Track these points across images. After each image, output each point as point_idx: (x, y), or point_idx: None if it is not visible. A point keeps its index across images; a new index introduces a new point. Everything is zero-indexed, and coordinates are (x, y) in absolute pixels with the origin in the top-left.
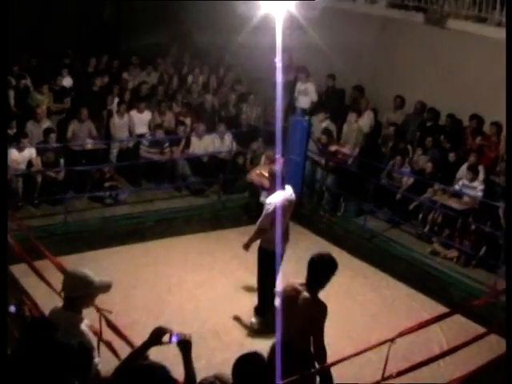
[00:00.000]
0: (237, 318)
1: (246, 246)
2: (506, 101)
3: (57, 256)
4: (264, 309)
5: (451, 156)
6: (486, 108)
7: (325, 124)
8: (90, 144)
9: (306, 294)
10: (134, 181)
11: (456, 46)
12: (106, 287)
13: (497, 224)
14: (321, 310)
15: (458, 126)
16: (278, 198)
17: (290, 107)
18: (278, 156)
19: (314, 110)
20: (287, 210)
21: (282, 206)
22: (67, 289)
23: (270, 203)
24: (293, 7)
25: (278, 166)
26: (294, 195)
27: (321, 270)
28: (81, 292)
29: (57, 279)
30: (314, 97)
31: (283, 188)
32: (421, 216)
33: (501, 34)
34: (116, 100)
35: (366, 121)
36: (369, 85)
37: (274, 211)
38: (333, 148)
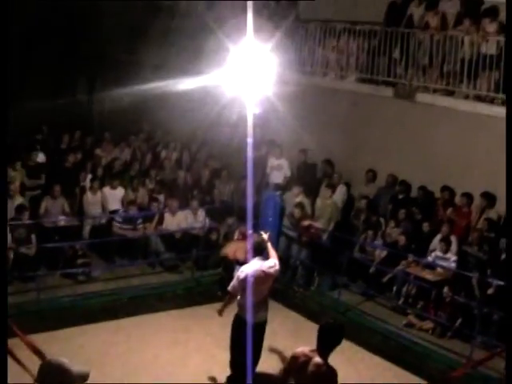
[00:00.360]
0: None
1: (220, 311)
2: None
3: (29, 334)
4: (236, 378)
5: (425, 226)
6: (457, 179)
7: (298, 199)
8: (62, 220)
9: (318, 359)
10: (106, 257)
11: (425, 118)
12: (83, 377)
13: (471, 294)
14: (334, 375)
15: (430, 197)
16: (253, 267)
17: (263, 182)
18: (250, 232)
19: (287, 184)
20: (262, 280)
21: (256, 275)
22: (42, 381)
23: (242, 271)
24: (264, 83)
25: (251, 241)
26: (276, 269)
27: (333, 337)
28: None
29: (28, 358)
30: (287, 172)
31: (265, 259)
32: (395, 288)
33: (469, 106)
34: (89, 176)
35: (339, 195)
36: (341, 159)
37: (244, 279)
38: (306, 223)
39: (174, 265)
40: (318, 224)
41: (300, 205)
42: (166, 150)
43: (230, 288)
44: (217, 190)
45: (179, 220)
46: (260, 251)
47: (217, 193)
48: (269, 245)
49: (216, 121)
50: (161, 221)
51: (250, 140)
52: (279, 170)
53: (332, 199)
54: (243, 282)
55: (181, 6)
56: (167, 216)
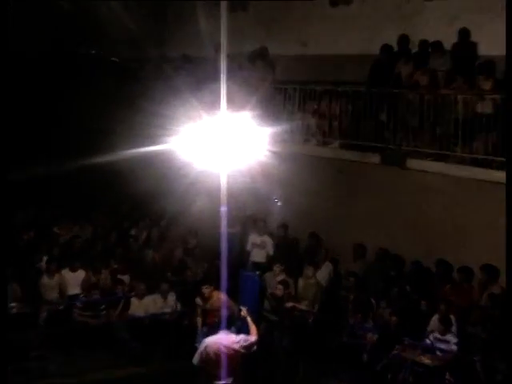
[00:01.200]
0: None
1: None
2: None
3: None
4: None
5: (422, 305)
6: (454, 252)
7: (280, 278)
8: (14, 308)
9: None
10: (65, 348)
11: (417, 186)
12: None
13: (476, 381)
14: None
15: (425, 273)
16: (214, 339)
17: (242, 261)
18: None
19: (269, 264)
20: (224, 355)
21: (215, 348)
22: None
23: (203, 341)
24: (239, 152)
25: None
26: (242, 345)
27: None
28: None
29: None
30: (270, 250)
31: (232, 333)
32: (389, 376)
33: (465, 171)
34: (45, 258)
35: (324, 273)
36: (326, 233)
37: (202, 352)
38: (289, 305)
39: (142, 356)
40: (303, 306)
41: (284, 282)
42: (134, 229)
43: (194, 360)
44: (189, 271)
45: (147, 304)
46: (230, 323)
47: (189, 273)
48: (248, 319)
49: (188, 194)
50: (126, 306)
51: (223, 209)
52: (262, 247)
53: (315, 278)
54: (202, 354)
55: (149, 70)
56: (134, 300)
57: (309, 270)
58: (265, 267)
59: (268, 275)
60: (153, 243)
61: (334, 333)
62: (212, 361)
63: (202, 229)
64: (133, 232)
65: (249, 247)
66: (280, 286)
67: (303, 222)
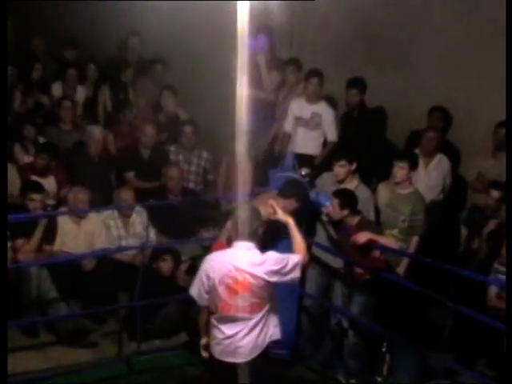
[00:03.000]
0: None
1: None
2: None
3: None
4: None
5: None
6: None
7: (352, 185)
8: None
9: None
10: None
11: None
12: None
13: None
14: None
15: None
16: (223, 259)
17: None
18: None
19: (327, 159)
20: (238, 288)
21: (226, 277)
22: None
23: (206, 259)
24: None
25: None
26: (270, 270)
27: None
28: None
29: None
30: (331, 132)
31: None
32: None
33: None
34: None
35: (433, 176)
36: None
37: (205, 282)
38: (362, 238)
39: (81, 330)
40: (391, 242)
41: (346, 195)
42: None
43: (192, 292)
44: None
45: (91, 233)
46: (253, 232)
47: (172, 175)
48: (291, 223)
49: None
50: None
51: None
52: (314, 125)
53: (413, 186)
54: (204, 285)
55: None
56: (65, 223)
57: (400, 170)
58: (315, 166)
59: (322, 179)
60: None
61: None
62: (219, 296)
63: None
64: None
65: (288, 126)
66: (336, 201)
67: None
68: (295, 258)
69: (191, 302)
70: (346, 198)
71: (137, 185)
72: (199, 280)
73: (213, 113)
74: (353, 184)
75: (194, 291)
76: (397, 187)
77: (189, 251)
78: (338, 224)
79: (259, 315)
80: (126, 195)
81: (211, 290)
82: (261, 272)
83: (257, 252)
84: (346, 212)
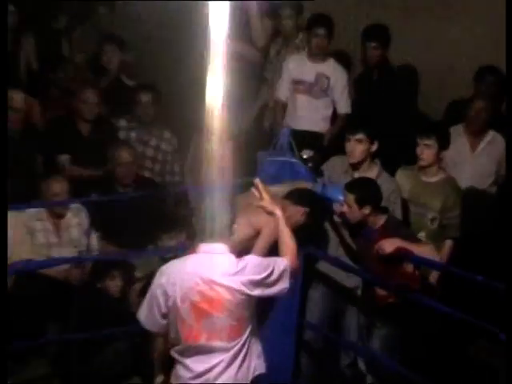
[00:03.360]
0: None
1: None
2: None
3: None
4: None
5: None
6: None
7: (372, 172)
8: None
9: None
10: None
11: None
12: None
13: None
14: None
15: None
16: (190, 264)
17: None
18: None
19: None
20: (209, 305)
21: (192, 291)
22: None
23: (160, 270)
24: None
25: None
26: (252, 279)
27: None
28: None
29: None
30: (342, 101)
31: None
32: None
33: None
34: None
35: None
36: None
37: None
38: (389, 246)
39: None
40: (425, 249)
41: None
42: None
43: (141, 316)
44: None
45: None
46: (225, 230)
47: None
48: (279, 217)
49: None
50: None
51: None
52: (319, 92)
53: (442, 172)
54: (157, 305)
55: None
56: None
57: (426, 149)
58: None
59: (332, 163)
60: None
61: None
62: (182, 319)
63: None
64: None
65: (283, 94)
66: (350, 197)
67: None
68: (282, 263)
69: (148, 334)
70: (367, 191)
71: (73, 172)
72: (152, 298)
73: (179, 79)
74: (373, 172)
75: (143, 314)
76: (422, 174)
77: (145, 265)
78: (355, 227)
79: (239, 343)
80: (58, 187)
81: (170, 313)
82: (238, 283)
83: (231, 257)
84: (366, 211)
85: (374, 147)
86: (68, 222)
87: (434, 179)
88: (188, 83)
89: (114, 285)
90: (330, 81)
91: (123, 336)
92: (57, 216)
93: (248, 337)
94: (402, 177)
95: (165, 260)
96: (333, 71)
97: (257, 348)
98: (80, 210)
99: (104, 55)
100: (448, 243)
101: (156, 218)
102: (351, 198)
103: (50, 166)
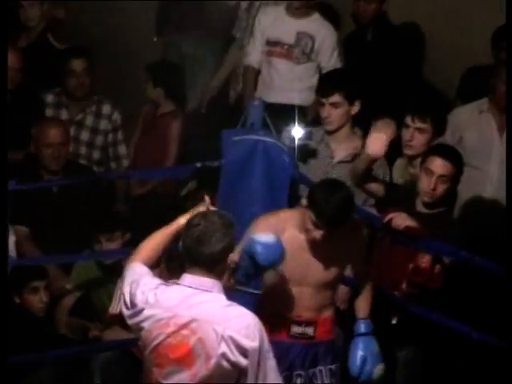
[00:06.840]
0: None
1: None
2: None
3: None
4: None
5: None
6: None
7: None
8: None
9: None
10: None
11: None
12: None
13: None
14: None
15: None
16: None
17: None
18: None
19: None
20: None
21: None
22: None
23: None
24: None
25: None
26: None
27: None
28: None
29: None
30: (331, 65)
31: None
32: None
33: None
34: None
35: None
36: None
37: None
38: (400, 220)
39: None
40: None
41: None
42: None
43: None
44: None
45: None
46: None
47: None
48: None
49: None
50: None
51: None
52: (301, 54)
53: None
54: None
55: None
56: None
57: (415, 133)
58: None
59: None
60: None
61: None
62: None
63: None
64: None
65: (255, 57)
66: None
67: None
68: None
69: (79, 360)
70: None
71: None
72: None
73: (122, 40)
74: (354, 143)
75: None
76: (410, 165)
77: (78, 274)
78: None
79: None
80: None
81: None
82: (248, 342)
83: (220, 296)
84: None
85: (356, 109)
86: None
87: None
88: (134, 44)
89: (36, 300)
90: (314, 41)
91: (47, 363)
92: None
93: None
94: (397, 168)
95: (103, 268)
96: (318, 29)
97: None
98: None
99: (21, 7)
100: None
101: (91, 214)
102: None
103: None
